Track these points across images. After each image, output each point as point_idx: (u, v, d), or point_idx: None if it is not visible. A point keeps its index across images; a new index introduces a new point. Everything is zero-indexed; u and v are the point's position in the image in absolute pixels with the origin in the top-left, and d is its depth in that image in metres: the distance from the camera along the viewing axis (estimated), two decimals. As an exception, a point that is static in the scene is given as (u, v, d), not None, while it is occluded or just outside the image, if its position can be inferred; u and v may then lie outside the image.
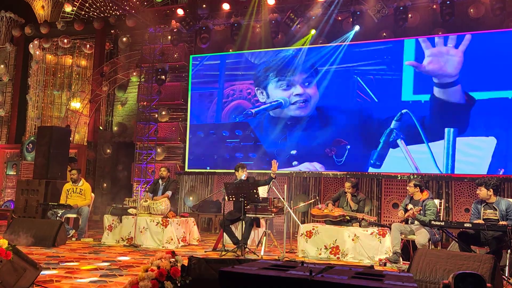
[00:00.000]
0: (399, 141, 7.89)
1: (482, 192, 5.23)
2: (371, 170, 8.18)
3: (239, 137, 9.09)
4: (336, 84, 8.58)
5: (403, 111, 7.91)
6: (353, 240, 5.98)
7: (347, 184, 6.50)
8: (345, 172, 9.08)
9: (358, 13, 9.18)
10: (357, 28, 9.28)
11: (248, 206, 6.16)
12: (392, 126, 7.95)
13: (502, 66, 7.69)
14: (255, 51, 9.53)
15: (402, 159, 7.91)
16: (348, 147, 8.23)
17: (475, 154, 7.43)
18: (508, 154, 7.28)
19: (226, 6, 10.23)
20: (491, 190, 5.21)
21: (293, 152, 8.62)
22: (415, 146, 7.74)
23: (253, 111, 9.09)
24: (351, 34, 9.25)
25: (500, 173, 7.27)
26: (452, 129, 7.55)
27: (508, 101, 7.34)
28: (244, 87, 9.26)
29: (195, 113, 9.72)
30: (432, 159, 7.63)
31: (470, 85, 7.73)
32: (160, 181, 7.61)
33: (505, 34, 8.18)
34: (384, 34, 9.44)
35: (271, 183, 6.38)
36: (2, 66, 13.51)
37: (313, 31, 9.76)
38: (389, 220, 8.70)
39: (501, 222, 4.96)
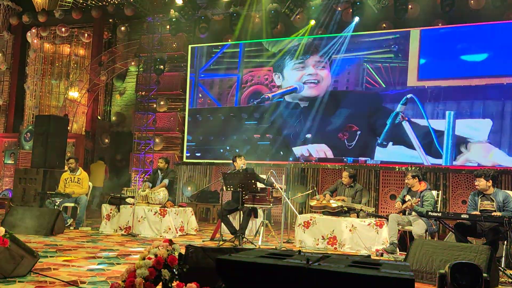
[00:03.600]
0: (404, 123, 8.50)
1: (482, 183, 5.23)
2: (377, 151, 8.72)
3: (257, 119, 9.69)
4: (347, 71, 9.19)
5: (408, 95, 8.51)
6: (350, 230, 6.00)
7: (345, 174, 6.52)
8: (344, 164, 9.13)
9: (358, 3, 9.13)
10: (357, 19, 9.27)
11: (246, 196, 6.16)
12: (398, 109, 8.56)
13: (499, 56, 8.15)
14: (271, 39, 9.99)
15: (408, 146, 8.57)
16: (359, 132, 8.80)
17: (473, 134, 8.08)
18: (502, 134, 7.91)
19: (225, -4, 10.16)
20: (490, 181, 5.22)
21: (308, 136, 9.18)
22: (418, 126, 8.44)
23: (270, 95, 9.61)
24: (352, 25, 9.29)
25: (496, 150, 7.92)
26: (452, 112, 8.17)
27: (503, 86, 7.95)
28: (262, 73, 9.83)
29: (215, 97, 10.28)
30: (435, 138, 8.29)
31: (468, 72, 8.26)
32: (159, 171, 7.60)
33: (505, 26, 8.29)
34: (384, 25, 9.41)
35: (269, 173, 6.39)
36: (0, 54, 13.44)
37: (312, 22, 9.72)
38: (386, 211, 8.74)
39: (496, 213, 4.98)
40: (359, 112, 8.92)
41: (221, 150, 10.09)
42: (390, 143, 8.59)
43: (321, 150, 9.15)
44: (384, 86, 8.81)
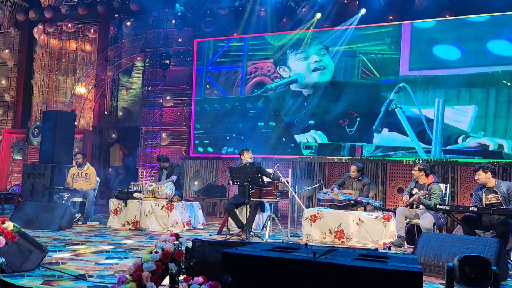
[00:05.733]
0: (397, 110, 8.96)
1: (481, 176, 5.18)
2: (375, 136, 9.15)
3: (261, 108, 10.19)
4: (344, 62, 9.66)
5: (401, 84, 8.99)
6: (357, 224, 5.98)
7: (353, 167, 6.48)
8: (350, 157, 9.12)
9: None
10: (363, 11, 9.24)
11: (253, 190, 6.16)
12: (391, 97, 9.04)
13: (484, 46, 8.53)
14: (274, 34, 10.30)
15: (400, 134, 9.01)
16: (359, 119, 9.26)
17: (460, 119, 8.57)
18: (486, 119, 8.38)
19: (230, -11, 10.12)
20: (489, 173, 5.16)
21: (311, 122, 9.63)
22: (410, 112, 8.90)
23: (272, 85, 10.13)
24: (357, 17, 9.29)
25: (482, 135, 8.32)
26: (441, 99, 8.67)
27: (487, 74, 8.42)
28: (265, 65, 10.36)
29: (222, 88, 10.78)
30: (425, 123, 8.75)
31: (456, 62, 8.71)
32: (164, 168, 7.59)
33: (492, 18, 8.52)
34: (391, 17, 9.35)
35: (275, 167, 6.38)
36: (6, 51, 13.48)
37: (318, 15, 9.67)
38: (394, 205, 8.70)
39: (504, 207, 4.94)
40: (358, 100, 9.36)
41: (228, 137, 10.49)
42: (386, 129, 9.05)
43: (322, 136, 9.59)
44: (378, 75, 9.27)
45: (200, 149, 10.69)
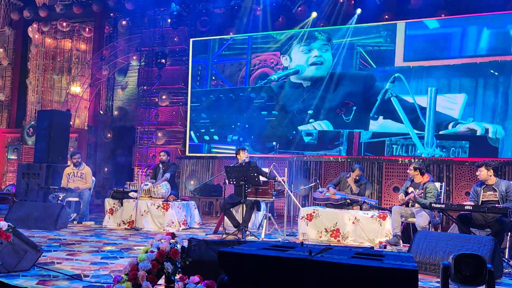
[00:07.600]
0: (392, 99, 9.32)
1: (483, 173, 5.21)
2: (371, 124, 9.46)
3: (264, 98, 10.54)
4: (343, 54, 9.98)
5: (396, 74, 9.37)
6: (353, 223, 5.99)
7: (357, 172, 6.40)
8: (346, 156, 9.15)
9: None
10: (359, 11, 9.30)
11: (249, 190, 6.15)
12: (387, 87, 9.42)
13: (473, 39, 8.91)
14: (270, 32, 10.62)
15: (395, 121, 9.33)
16: (355, 108, 9.61)
17: (450, 107, 8.97)
18: (475, 107, 8.80)
19: (226, -12, 10.12)
20: (491, 170, 5.18)
21: (310, 111, 9.97)
22: (404, 101, 9.28)
23: (275, 77, 10.47)
24: (354, 18, 9.44)
25: (471, 121, 8.67)
26: (433, 88, 9.06)
27: (476, 65, 8.85)
28: (268, 57, 10.70)
29: (227, 79, 11.10)
30: (418, 111, 9.12)
31: (447, 53, 9.12)
32: (160, 165, 7.59)
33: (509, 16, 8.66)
34: (386, 16, 9.39)
35: (271, 166, 6.38)
36: (1, 50, 13.40)
37: (314, 14, 9.69)
38: (389, 204, 8.73)
39: (498, 205, 4.96)
40: (355, 90, 9.71)
41: (232, 126, 10.73)
42: (381, 117, 9.39)
43: (321, 124, 9.92)
44: (374, 66, 9.64)
45: (206, 137, 10.88)
